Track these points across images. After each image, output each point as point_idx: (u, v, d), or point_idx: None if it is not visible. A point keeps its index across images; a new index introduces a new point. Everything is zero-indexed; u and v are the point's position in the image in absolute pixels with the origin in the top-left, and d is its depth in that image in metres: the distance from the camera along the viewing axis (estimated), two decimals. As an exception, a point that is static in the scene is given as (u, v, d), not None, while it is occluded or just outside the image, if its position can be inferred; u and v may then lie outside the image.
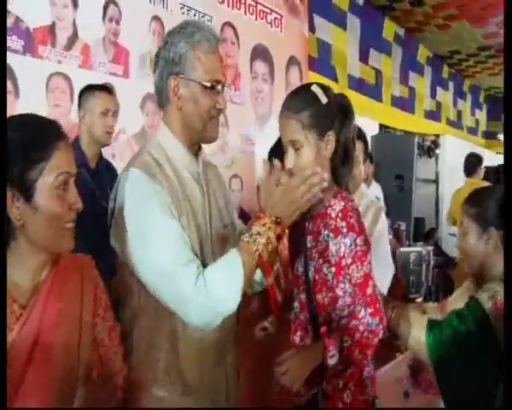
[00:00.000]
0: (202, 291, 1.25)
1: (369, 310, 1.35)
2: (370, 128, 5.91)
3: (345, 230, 1.38)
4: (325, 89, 1.46)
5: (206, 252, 1.43)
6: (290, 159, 1.42)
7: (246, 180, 3.98)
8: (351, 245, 1.37)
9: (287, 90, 4.54)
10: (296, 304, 1.52)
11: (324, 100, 1.42)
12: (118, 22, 3.10)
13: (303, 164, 1.41)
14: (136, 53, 3.21)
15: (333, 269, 1.39)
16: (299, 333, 1.50)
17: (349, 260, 1.37)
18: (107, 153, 2.82)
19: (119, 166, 2.74)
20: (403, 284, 4.09)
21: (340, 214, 1.39)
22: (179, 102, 1.40)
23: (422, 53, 7.61)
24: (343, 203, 1.41)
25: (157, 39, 3.31)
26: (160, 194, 1.32)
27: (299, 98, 1.44)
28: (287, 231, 1.56)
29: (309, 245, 1.48)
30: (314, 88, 1.44)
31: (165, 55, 1.41)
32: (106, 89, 2.65)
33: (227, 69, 3.95)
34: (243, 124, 4.05)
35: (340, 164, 1.49)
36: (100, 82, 2.76)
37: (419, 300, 4.30)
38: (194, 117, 1.41)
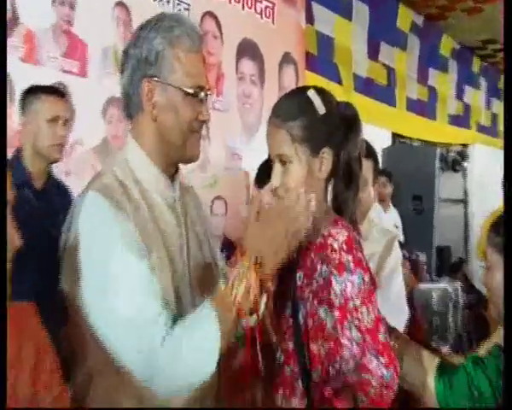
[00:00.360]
0: (170, 354, 1.24)
1: (383, 360, 1.33)
2: (381, 139, 5.95)
3: (351, 265, 1.36)
4: (325, 95, 1.47)
5: (184, 295, 1.42)
6: (276, 176, 1.44)
7: (231, 202, 4.00)
8: (359, 284, 1.36)
9: (280, 94, 4.56)
10: (279, 354, 1.50)
11: (322, 110, 1.43)
12: (72, 6, 3.10)
13: (290, 183, 1.42)
14: (95, 46, 3.22)
15: (336, 313, 1.37)
16: (281, 390, 1.48)
17: (357, 302, 1.35)
18: (60, 170, 2.81)
19: (75, 185, 2.70)
20: (423, 330, 4.08)
21: (344, 246, 1.37)
22: (154, 110, 1.39)
23: (446, 44, 7.66)
24: (346, 233, 1.40)
25: (122, 30, 3.33)
26: (125, 225, 1.31)
27: (292, 104, 1.45)
28: None
29: (299, 282, 1.46)
30: (311, 94, 1.44)
31: (136, 53, 1.40)
32: (55, 91, 2.62)
33: (208, 69, 3.98)
34: (228, 135, 4.08)
35: (343, 187, 1.50)
36: (49, 81, 2.75)
37: (445, 349, 4.27)
38: (172, 130, 1.40)
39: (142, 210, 1.38)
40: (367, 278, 1.37)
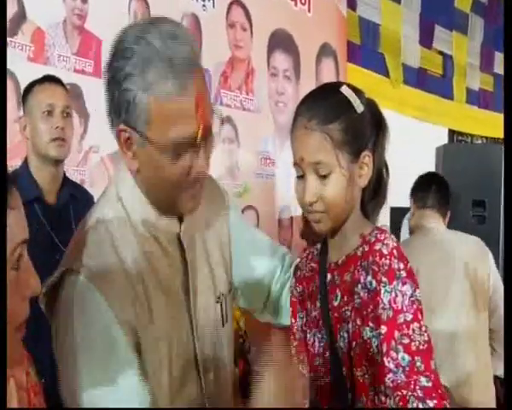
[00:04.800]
0: None
1: (431, 403, 1.29)
2: (437, 137, 5.87)
3: (403, 274, 1.34)
4: (357, 90, 1.46)
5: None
6: (311, 189, 1.39)
7: (263, 213, 4.04)
8: (411, 296, 1.34)
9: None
10: (314, 394, 1.50)
11: (360, 108, 1.42)
12: (84, 0, 3.17)
13: (329, 196, 1.39)
14: (111, 43, 3.28)
15: (383, 329, 1.34)
16: None
17: (409, 316, 1.33)
18: (74, 179, 2.86)
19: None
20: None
21: (395, 252, 1.36)
22: (134, 161, 1.31)
23: None
24: (395, 240, 1.40)
25: (140, 23, 3.41)
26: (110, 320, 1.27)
27: (328, 104, 1.42)
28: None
29: (336, 303, 1.46)
30: (346, 91, 1.43)
31: (108, 90, 1.31)
32: (48, 79, 2.54)
33: (237, 64, 4.04)
34: (259, 138, 4.13)
35: (372, 195, 1.49)
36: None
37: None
38: (157, 187, 1.34)
39: (135, 270, 1.34)
40: (418, 294, 1.35)
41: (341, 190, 1.40)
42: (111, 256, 1.32)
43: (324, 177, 1.39)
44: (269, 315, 1.74)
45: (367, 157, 1.43)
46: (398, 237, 1.49)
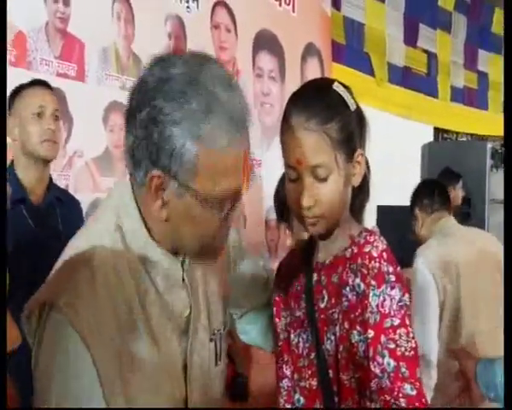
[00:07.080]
0: None
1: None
2: (422, 134, 5.90)
3: (392, 278, 1.32)
4: (345, 87, 1.41)
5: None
6: (310, 193, 1.34)
7: (250, 215, 4.00)
8: (399, 301, 1.32)
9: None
10: (298, 397, 1.48)
11: (353, 105, 1.37)
12: (66, 2, 3.12)
13: (329, 200, 1.35)
14: (94, 46, 3.25)
15: (370, 333, 1.32)
16: None
17: (396, 321, 1.30)
18: (58, 183, 2.81)
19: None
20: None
21: (384, 255, 1.34)
22: (163, 210, 1.20)
23: (500, 20, 7.36)
24: (385, 242, 1.38)
25: (123, 26, 3.36)
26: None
27: (324, 102, 1.36)
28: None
29: (323, 304, 1.42)
30: (339, 88, 1.38)
31: (143, 128, 1.15)
32: (38, 83, 2.60)
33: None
34: (245, 138, 4.10)
35: (358, 192, 1.45)
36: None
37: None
38: (186, 238, 1.24)
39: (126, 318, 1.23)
40: (407, 299, 1.33)
41: (338, 192, 1.36)
42: (103, 301, 1.19)
43: (322, 180, 1.34)
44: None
45: (360, 155, 1.39)
46: (386, 237, 1.46)
